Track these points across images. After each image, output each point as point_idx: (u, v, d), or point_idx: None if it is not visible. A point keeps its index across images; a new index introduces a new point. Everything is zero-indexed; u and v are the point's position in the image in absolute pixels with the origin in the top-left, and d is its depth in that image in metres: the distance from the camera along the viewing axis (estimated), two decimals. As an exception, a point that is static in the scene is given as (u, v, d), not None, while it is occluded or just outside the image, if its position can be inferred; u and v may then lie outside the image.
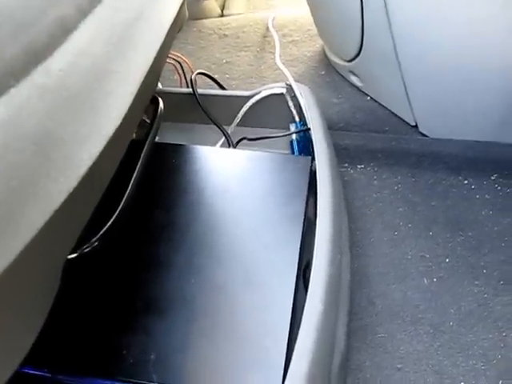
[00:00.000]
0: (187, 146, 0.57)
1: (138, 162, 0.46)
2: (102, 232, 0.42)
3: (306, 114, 0.61)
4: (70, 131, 0.26)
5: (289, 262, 0.45)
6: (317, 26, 0.81)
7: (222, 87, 0.76)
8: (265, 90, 0.64)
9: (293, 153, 0.64)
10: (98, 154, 0.29)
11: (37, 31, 0.23)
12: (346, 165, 0.72)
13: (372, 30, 0.64)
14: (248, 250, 0.46)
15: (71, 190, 0.27)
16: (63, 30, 0.25)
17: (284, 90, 0.64)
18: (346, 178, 0.71)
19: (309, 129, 0.59)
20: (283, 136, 0.62)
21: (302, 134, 0.64)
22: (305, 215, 0.49)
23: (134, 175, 0.44)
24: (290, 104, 0.65)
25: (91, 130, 0.28)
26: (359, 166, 0.72)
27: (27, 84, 0.23)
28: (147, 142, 0.47)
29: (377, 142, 0.73)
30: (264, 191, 0.51)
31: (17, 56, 0.22)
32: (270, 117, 0.67)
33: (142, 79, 0.33)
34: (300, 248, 0.46)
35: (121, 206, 0.43)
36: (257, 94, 0.65)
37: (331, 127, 0.63)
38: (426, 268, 0.62)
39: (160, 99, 0.54)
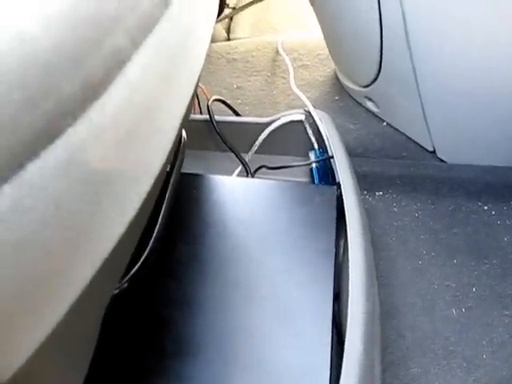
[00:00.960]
0: (208, 177, 0.55)
1: (164, 196, 0.44)
2: (132, 272, 0.39)
3: (327, 142, 0.59)
4: (122, 173, 0.24)
5: (323, 300, 0.43)
6: (331, 52, 0.80)
7: (237, 114, 0.74)
8: (284, 116, 0.63)
9: (313, 181, 0.63)
10: (145, 195, 0.26)
11: (93, 65, 0.21)
12: (365, 192, 0.71)
13: (391, 56, 0.64)
14: (280, 288, 0.44)
15: (120, 235, 0.25)
16: (118, 63, 0.23)
17: (303, 117, 0.62)
18: (365, 206, 0.69)
19: (332, 157, 0.57)
20: (305, 165, 0.61)
21: (321, 161, 0.62)
22: (335, 249, 0.47)
23: (162, 212, 0.42)
24: (309, 131, 0.63)
25: (140, 169, 0.26)
26: (377, 193, 0.70)
27: (84, 123, 0.21)
28: (173, 175, 0.44)
29: (395, 168, 0.71)
30: (290, 224, 0.49)
31: (74, 94, 0.20)
32: (287, 144, 0.65)
33: (184, 112, 0.31)
34: (333, 284, 0.44)
35: (150, 244, 0.41)
36: (275, 120, 0.63)
37: (349, 154, 0.62)
38: (453, 298, 0.60)
39: (183, 129, 0.52)
